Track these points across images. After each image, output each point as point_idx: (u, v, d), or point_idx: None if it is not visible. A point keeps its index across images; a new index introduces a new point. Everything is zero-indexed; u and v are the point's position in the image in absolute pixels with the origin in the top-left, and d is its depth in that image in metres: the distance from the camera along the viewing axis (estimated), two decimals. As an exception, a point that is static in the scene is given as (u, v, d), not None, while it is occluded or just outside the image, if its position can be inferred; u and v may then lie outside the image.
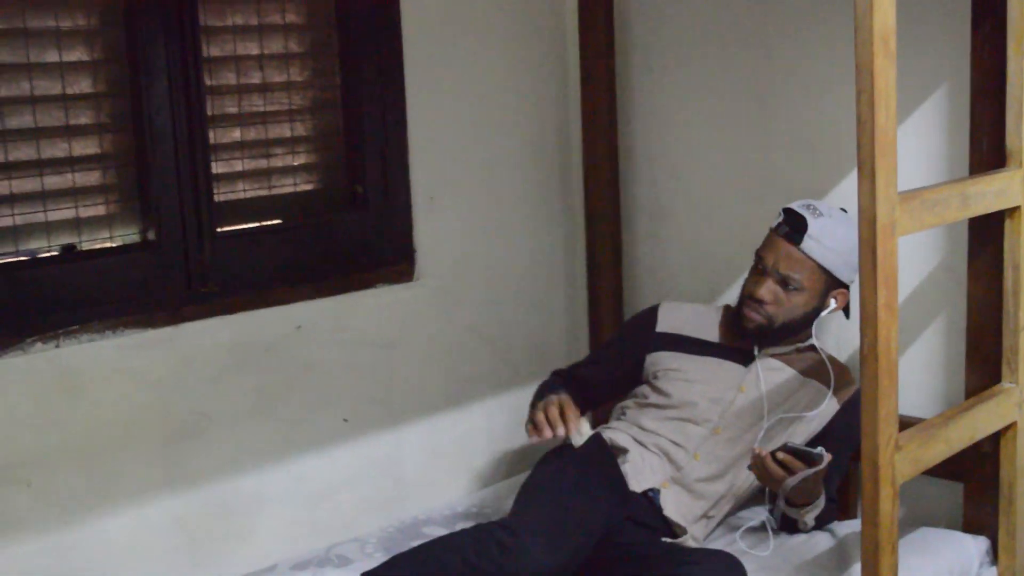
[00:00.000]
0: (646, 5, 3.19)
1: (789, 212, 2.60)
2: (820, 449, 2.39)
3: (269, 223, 2.86)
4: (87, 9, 2.54)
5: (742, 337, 2.69)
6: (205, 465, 2.71)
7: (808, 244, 2.55)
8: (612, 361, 2.89)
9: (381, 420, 3.02)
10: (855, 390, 2.66)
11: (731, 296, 2.97)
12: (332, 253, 2.92)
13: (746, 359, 2.70)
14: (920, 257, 2.71)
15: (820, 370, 2.66)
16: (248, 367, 2.76)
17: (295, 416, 2.86)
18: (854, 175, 1.98)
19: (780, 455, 2.41)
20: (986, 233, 2.47)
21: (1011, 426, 2.44)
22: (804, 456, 2.39)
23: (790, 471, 2.40)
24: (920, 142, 2.67)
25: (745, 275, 2.70)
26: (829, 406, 2.65)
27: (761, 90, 2.98)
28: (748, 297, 2.64)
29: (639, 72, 3.23)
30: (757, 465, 2.45)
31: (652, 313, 2.86)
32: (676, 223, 3.22)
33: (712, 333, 2.79)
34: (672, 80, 3.17)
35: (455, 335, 3.16)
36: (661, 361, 2.76)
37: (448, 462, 3.18)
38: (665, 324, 2.81)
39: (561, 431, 2.58)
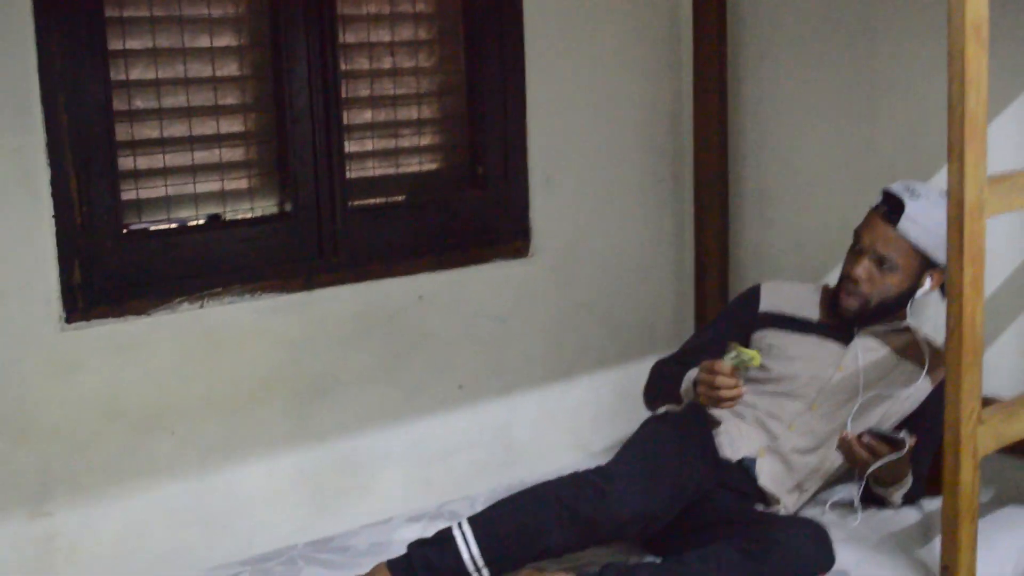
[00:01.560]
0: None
1: (888, 193, 2.65)
2: (903, 433, 2.48)
3: (395, 199, 3.02)
4: (236, -1, 2.74)
5: (840, 318, 2.74)
6: (331, 422, 2.90)
7: (904, 225, 2.60)
8: (717, 343, 2.84)
9: (494, 388, 3.18)
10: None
11: (834, 278, 3.04)
12: (453, 229, 3.08)
13: (846, 338, 2.76)
14: (1016, 241, 2.75)
15: (916, 350, 2.73)
16: (373, 333, 2.94)
17: (414, 381, 3.02)
18: (954, 160, 2.04)
19: (866, 439, 2.51)
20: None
21: (1098, 407, 2.48)
22: (889, 440, 2.50)
23: (876, 454, 2.50)
24: (1016, 129, 2.71)
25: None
26: (923, 386, 2.71)
27: (866, 77, 3.04)
28: (845, 277, 2.70)
29: (749, 60, 3.31)
30: (844, 447, 2.56)
31: (755, 293, 2.93)
32: (782, 206, 3.30)
33: (813, 312, 2.84)
34: (781, 67, 3.25)
35: (566, 310, 3.29)
36: (765, 338, 2.84)
37: (556, 430, 3.31)
38: (768, 303, 2.88)
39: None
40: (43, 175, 2.47)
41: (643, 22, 3.37)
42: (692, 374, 2.71)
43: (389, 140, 3.01)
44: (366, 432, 2.96)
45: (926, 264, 2.65)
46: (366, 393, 2.95)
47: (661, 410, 2.84)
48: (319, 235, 2.85)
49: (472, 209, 3.12)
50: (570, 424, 3.35)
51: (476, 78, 3.09)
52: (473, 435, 3.16)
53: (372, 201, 2.98)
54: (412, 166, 3.06)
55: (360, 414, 2.94)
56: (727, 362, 2.58)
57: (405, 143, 3.04)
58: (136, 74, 2.62)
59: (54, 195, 2.48)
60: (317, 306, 2.85)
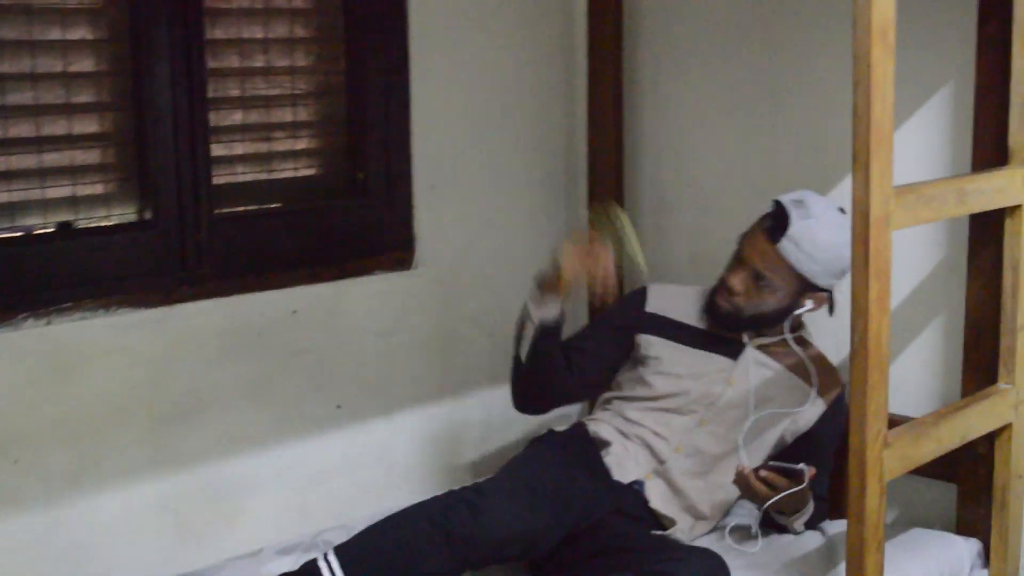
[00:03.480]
0: (655, 1, 3.18)
1: (778, 205, 2.52)
2: (802, 466, 2.39)
3: (268, 206, 2.86)
4: (90, -13, 2.55)
5: (715, 320, 2.65)
6: (195, 447, 2.71)
7: (785, 246, 2.48)
8: (603, 340, 2.77)
9: (375, 408, 3.02)
10: (842, 390, 2.64)
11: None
12: (331, 239, 2.92)
13: (735, 351, 2.65)
14: (920, 254, 2.69)
15: (807, 368, 2.64)
16: (241, 351, 2.76)
17: (288, 401, 2.86)
18: (858, 172, 1.96)
19: (763, 473, 2.40)
20: (986, 231, 2.45)
21: (1006, 427, 2.42)
22: (788, 473, 2.40)
23: (774, 487, 2.39)
24: (923, 138, 2.65)
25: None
26: (816, 406, 2.62)
27: (767, 85, 2.97)
28: (723, 282, 2.60)
29: (646, 65, 3.22)
30: (741, 482, 2.44)
31: (641, 294, 2.80)
32: (680, 217, 3.21)
33: (697, 318, 2.71)
34: (679, 74, 3.16)
35: (453, 325, 3.16)
36: (651, 346, 2.71)
37: (442, 452, 3.18)
38: (654, 305, 2.75)
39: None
40: None
41: (535, 22, 3.25)
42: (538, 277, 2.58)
43: (261, 143, 2.84)
44: (234, 457, 2.78)
45: (806, 286, 2.54)
46: (234, 415, 2.76)
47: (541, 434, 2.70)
48: (182, 245, 2.67)
49: (352, 217, 2.96)
50: (457, 445, 3.21)
51: (357, 79, 2.94)
52: (352, 457, 2.99)
53: (242, 208, 2.80)
54: (287, 171, 2.89)
55: (227, 438, 2.76)
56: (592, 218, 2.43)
57: (279, 147, 2.87)
58: (-23, 68, 2.41)
59: None
60: (179, 322, 2.66)
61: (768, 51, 2.96)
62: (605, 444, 2.60)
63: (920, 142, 2.65)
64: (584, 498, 2.43)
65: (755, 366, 2.62)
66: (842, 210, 2.55)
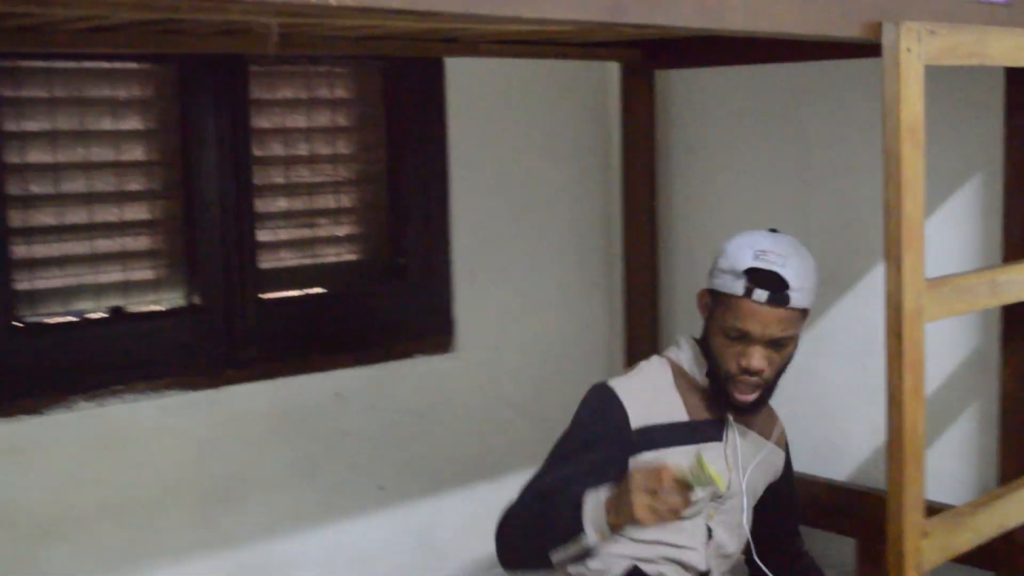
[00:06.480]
0: (687, 87, 3.24)
1: (758, 273, 2.25)
2: None
3: (311, 291, 2.91)
4: (142, 80, 2.63)
5: (742, 411, 2.38)
6: (241, 528, 2.74)
7: (794, 297, 2.26)
8: (594, 475, 2.23)
9: (416, 489, 3.04)
10: (782, 426, 2.57)
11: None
12: (372, 322, 2.96)
13: (719, 430, 2.40)
14: (954, 343, 2.70)
15: (766, 420, 2.50)
16: (286, 433, 2.80)
17: (331, 483, 2.89)
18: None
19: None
20: (1019, 320, 2.46)
21: (1044, 515, 2.41)
22: None
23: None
24: (953, 230, 2.67)
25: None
26: (777, 453, 2.54)
27: (798, 173, 3.00)
28: (737, 373, 2.31)
29: (680, 152, 3.26)
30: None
31: (618, 410, 2.36)
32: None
33: (678, 408, 2.39)
34: (712, 161, 3.20)
35: (492, 407, 3.18)
36: (648, 463, 2.23)
37: (482, 533, 3.16)
38: (638, 418, 2.35)
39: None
40: (-72, 264, 2.32)
41: (571, 111, 3.31)
42: (598, 496, 2.12)
43: (305, 229, 2.90)
44: (279, 538, 2.81)
45: (807, 315, 2.37)
46: (279, 496, 2.80)
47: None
48: (228, 328, 2.72)
49: (393, 301, 3.01)
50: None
51: (397, 166, 3.00)
52: (394, 539, 3.01)
53: (286, 293, 2.86)
54: (330, 256, 2.95)
55: (273, 519, 2.79)
56: (688, 475, 2.01)
57: (322, 232, 2.93)
58: (33, 157, 2.49)
59: (-61, 286, 2.34)
60: (226, 404, 2.71)
61: (796, 139, 3.00)
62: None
63: (951, 233, 2.67)
64: None
65: (740, 439, 2.43)
66: (773, 230, 2.39)
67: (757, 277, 2.25)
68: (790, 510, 2.59)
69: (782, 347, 2.30)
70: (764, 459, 2.48)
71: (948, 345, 2.70)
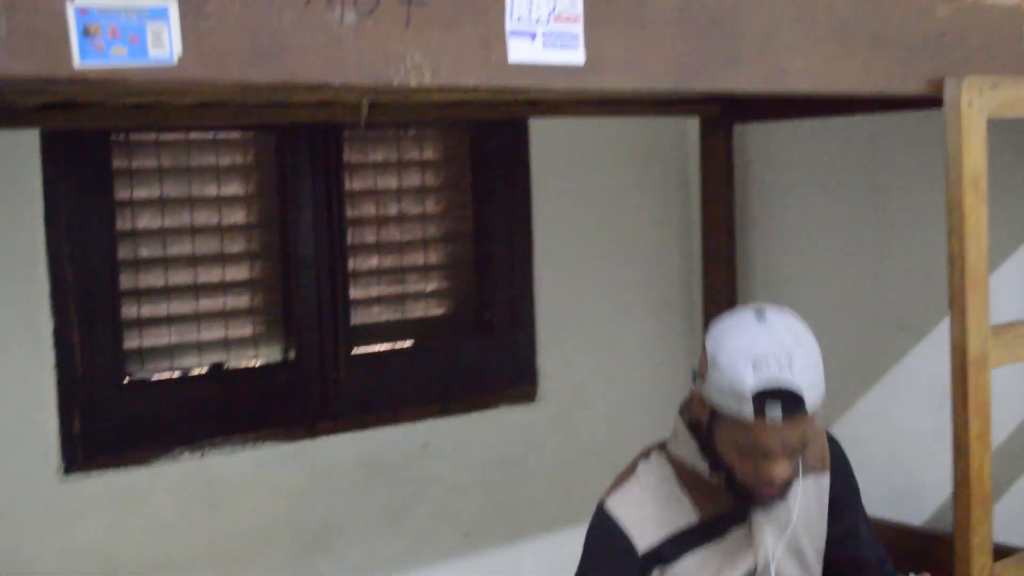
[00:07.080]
0: (765, 140, 3.30)
1: (771, 394, 1.89)
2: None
3: (401, 345, 3.02)
4: (243, 148, 2.78)
5: (767, 503, 2.04)
6: (333, 574, 2.84)
7: (811, 399, 1.91)
8: None
9: (501, 536, 3.12)
10: (833, 443, 2.21)
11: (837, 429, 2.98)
12: (459, 374, 3.06)
13: (739, 510, 2.08)
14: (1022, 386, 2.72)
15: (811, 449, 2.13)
16: (376, 481, 2.91)
17: (419, 530, 2.98)
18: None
19: None
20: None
21: (1119, 559, 2.43)
22: None
23: None
24: (1020, 276, 2.70)
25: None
26: (822, 478, 2.16)
27: (873, 223, 3.05)
28: (760, 484, 1.98)
29: (757, 203, 3.33)
30: None
31: (621, 538, 2.07)
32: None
33: (687, 509, 2.08)
34: (788, 211, 3.26)
35: (574, 456, 3.25)
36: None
37: (566, 580, 3.25)
38: (643, 541, 2.05)
39: None
40: (46, 325, 2.48)
41: (651, 165, 3.39)
42: None
43: (395, 286, 3.02)
44: (369, 583, 2.91)
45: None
46: (369, 543, 2.90)
47: None
48: (322, 382, 2.84)
49: (478, 354, 3.11)
50: (580, 573, 3.27)
51: (483, 224, 3.12)
52: (479, 585, 3.10)
53: (377, 347, 2.98)
54: (418, 311, 3.07)
55: (363, 565, 2.89)
56: None
57: (411, 288, 3.05)
58: (143, 223, 2.65)
59: (56, 345, 2.50)
60: (319, 454, 2.83)
61: (871, 193, 3.04)
62: None
63: (1018, 281, 2.70)
64: None
65: (762, 511, 2.09)
66: (760, 309, 2.08)
67: (771, 397, 1.90)
68: (864, 540, 2.21)
69: (804, 445, 1.99)
70: (804, 502, 2.13)
71: (1019, 391, 2.72)
